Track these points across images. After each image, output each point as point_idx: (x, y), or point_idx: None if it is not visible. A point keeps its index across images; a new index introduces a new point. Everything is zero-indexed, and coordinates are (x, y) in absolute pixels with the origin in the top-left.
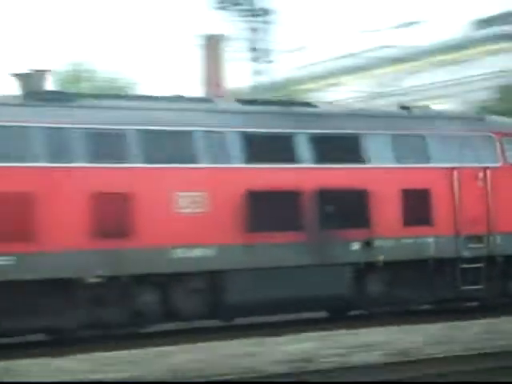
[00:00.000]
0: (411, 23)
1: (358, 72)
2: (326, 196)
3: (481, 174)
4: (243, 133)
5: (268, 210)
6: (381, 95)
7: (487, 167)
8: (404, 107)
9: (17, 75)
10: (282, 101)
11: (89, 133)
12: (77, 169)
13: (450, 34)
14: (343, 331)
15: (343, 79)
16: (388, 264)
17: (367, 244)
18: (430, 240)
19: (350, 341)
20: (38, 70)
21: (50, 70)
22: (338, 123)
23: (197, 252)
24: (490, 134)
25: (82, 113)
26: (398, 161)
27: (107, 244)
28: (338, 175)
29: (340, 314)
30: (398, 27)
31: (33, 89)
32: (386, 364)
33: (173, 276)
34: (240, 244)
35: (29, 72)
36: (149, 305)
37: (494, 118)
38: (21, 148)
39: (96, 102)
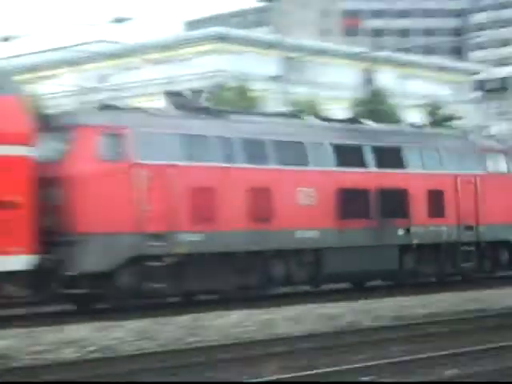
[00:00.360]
0: (124, 19)
1: (71, 65)
2: (384, 193)
3: (473, 180)
4: (333, 144)
5: (350, 203)
6: (94, 90)
7: (476, 175)
8: (414, 125)
9: (171, 94)
10: (348, 118)
11: (244, 141)
12: (238, 168)
13: (163, 33)
14: (48, 328)
15: (56, 72)
16: (417, 246)
17: (407, 230)
18: (444, 228)
19: (52, 337)
20: (194, 91)
21: (203, 91)
22: (387, 138)
23: (309, 234)
24: (475, 148)
25: (238, 126)
26: (424, 167)
27: (258, 226)
28: (390, 178)
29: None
30: (112, 22)
31: (189, 106)
32: (85, 361)
33: (293, 251)
34: (335, 228)
35: (183, 91)
36: (277, 273)
37: (474, 136)
38: (204, 152)
39: (243, 117)
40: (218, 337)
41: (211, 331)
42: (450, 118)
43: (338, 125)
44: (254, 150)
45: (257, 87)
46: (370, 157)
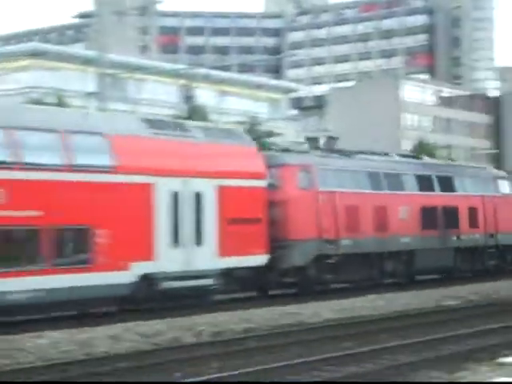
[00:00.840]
0: None
1: None
2: (445, 210)
3: (492, 200)
4: (416, 174)
5: (427, 217)
6: None
7: (494, 196)
8: (451, 160)
9: (310, 138)
10: (417, 156)
11: (368, 173)
12: (368, 193)
13: None
14: None
15: None
16: (464, 249)
17: (458, 237)
18: (477, 236)
19: None
20: (330, 137)
21: (338, 138)
22: (443, 169)
23: (405, 239)
24: (490, 176)
25: (363, 162)
26: (465, 191)
27: (379, 235)
28: (447, 198)
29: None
30: None
31: (330, 148)
32: None
33: (396, 252)
34: (419, 235)
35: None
36: (388, 268)
37: (490, 167)
38: (350, 181)
39: (363, 156)
40: (34, 358)
41: (28, 353)
42: (268, 135)
43: (415, 160)
44: (375, 179)
45: (75, 104)
46: (435, 183)
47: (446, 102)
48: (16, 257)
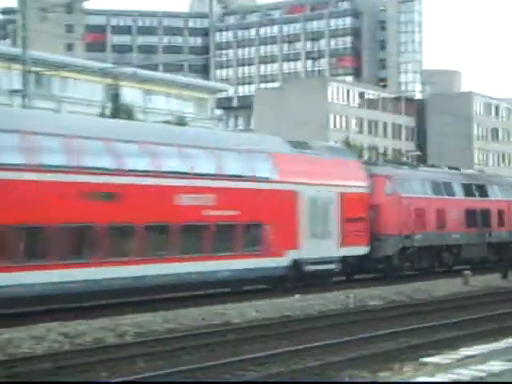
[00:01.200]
0: None
1: None
2: (482, 212)
3: None
4: (461, 183)
5: (469, 217)
6: None
7: None
8: (480, 171)
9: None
10: (454, 167)
11: (431, 182)
12: (431, 198)
13: None
14: None
15: None
16: (494, 244)
17: (490, 234)
18: (504, 233)
19: None
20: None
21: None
22: (478, 178)
23: (455, 235)
24: (510, 184)
25: (425, 173)
26: (494, 196)
27: (439, 231)
28: (483, 202)
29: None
30: None
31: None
32: None
33: (450, 246)
34: (465, 232)
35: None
36: (445, 259)
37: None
38: (420, 188)
39: (424, 168)
40: None
41: None
42: None
43: (458, 171)
44: (436, 186)
45: None
46: (475, 190)
47: (371, 104)
48: (219, 244)
